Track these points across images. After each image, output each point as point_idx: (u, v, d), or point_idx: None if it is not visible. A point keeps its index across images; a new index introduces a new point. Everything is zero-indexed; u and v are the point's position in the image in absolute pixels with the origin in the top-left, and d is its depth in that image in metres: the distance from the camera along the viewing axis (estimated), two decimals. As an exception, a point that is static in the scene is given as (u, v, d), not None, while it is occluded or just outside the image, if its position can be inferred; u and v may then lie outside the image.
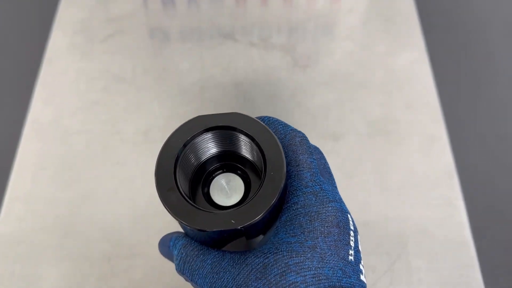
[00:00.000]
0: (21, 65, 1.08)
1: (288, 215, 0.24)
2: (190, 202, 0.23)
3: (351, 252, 0.24)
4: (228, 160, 0.28)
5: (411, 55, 0.50)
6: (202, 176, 0.28)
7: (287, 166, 0.25)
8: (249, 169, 0.28)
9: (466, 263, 0.38)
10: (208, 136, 0.26)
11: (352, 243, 0.24)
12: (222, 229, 0.22)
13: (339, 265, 0.23)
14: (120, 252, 0.39)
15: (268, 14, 0.54)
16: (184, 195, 0.24)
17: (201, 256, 0.25)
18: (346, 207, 0.25)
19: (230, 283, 0.23)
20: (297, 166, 0.25)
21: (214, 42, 0.51)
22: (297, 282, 0.22)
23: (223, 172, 0.28)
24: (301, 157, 0.25)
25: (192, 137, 0.25)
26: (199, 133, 0.25)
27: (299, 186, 0.25)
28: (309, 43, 0.51)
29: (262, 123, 0.25)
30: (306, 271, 0.22)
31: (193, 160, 0.27)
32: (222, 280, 0.24)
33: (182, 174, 0.25)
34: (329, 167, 0.27)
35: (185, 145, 0.25)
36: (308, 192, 0.24)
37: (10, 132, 0.60)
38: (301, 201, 0.24)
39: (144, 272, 0.38)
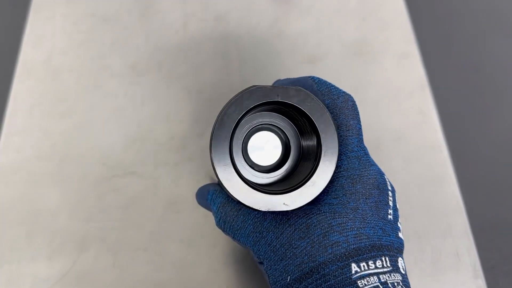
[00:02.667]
0: (8, 13, 1.09)
1: (331, 178, 0.25)
2: (246, 181, 0.24)
3: (390, 211, 0.25)
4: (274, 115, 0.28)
5: (382, -19, 0.52)
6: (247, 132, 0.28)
7: (337, 129, 0.26)
8: (289, 126, 0.28)
9: (439, 163, 0.41)
10: (263, 113, 0.26)
11: (391, 203, 0.25)
12: (273, 210, 0.24)
13: (379, 225, 0.24)
14: (115, 173, 0.41)
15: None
16: (240, 173, 0.24)
17: (241, 216, 0.26)
18: (381, 171, 0.26)
19: (274, 242, 0.24)
20: (347, 130, 0.26)
21: (194, -18, 0.53)
22: (339, 241, 0.23)
23: (262, 130, 0.28)
24: (351, 122, 0.26)
25: (246, 113, 0.25)
26: (255, 108, 0.25)
27: (345, 151, 0.25)
28: (286, -21, 0.53)
29: (324, 106, 0.25)
30: (348, 231, 0.23)
31: (244, 129, 0.27)
32: (266, 238, 0.25)
33: (235, 147, 0.26)
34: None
35: (239, 120, 0.25)
36: (352, 157, 0.25)
37: (2, 74, 0.62)
38: (345, 164, 0.25)
39: (139, 189, 0.40)
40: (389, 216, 0.25)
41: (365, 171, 0.25)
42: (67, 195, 0.40)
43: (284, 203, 0.24)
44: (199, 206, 0.33)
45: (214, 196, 0.28)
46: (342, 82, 0.45)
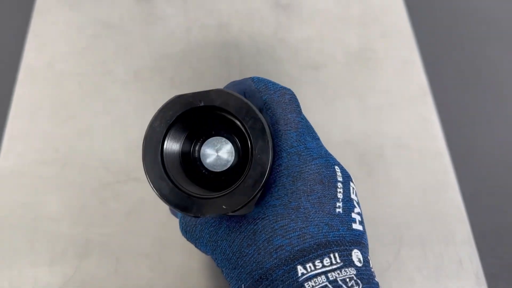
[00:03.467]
0: (12, 18, 1.10)
1: (272, 177, 0.24)
2: (182, 188, 0.24)
3: (339, 204, 0.24)
4: (217, 124, 0.27)
5: (384, -11, 0.52)
6: (192, 143, 0.27)
7: (274, 125, 0.25)
8: (236, 133, 0.27)
9: (441, 170, 0.41)
10: (190, 118, 0.25)
11: (340, 195, 0.24)
12: (214, 214, 0.23)
13: (324, 221, 0.23)
14: (118, 179, 0.41)
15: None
16: (175, 183, 0.24)
17: (199, 226, 0.26)
18: (333, 160, 0.25)
19: (227, 250, 0.24)
20: (285, 125, 0.25)
21: (197, -11, 0.53)
22: (283, 245, 0.23)
23: (213, 135, 0.27)
24: (289, 115, 0.25)
25: (174, 121, 0.24)
26: (180, 116, 0.25)
27: (284, 147, 0.25)
28: (288, -14, 0.53)
29: (247, 101, 0.24)
30: (291, 233, 0.23)
31: (178, 140, 0.26)
32: (220, 247, 0.25)
33: (169, 157, 0.25)
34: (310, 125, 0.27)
35: (167, 130, 0.25)
36: (292, 153, 0.24)
37: (5, 79, 0.62)
38: (285, 162, 0.24)
39: (142, 195, 0.40)
40: (337, 210, 0.24)
41: (305, 166, 0.24)
42: (69, 201, 0.40)
43: (223, 206, 0.23)
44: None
45: None
46: (343, 88, 0.46)
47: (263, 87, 0.26)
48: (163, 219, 0.39)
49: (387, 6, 0.51)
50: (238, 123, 0.25)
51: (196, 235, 0.26)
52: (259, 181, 0.23)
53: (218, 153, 0.26)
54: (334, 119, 0.44)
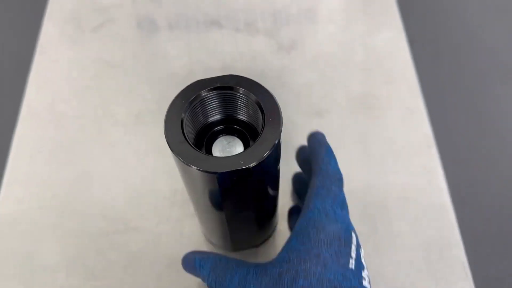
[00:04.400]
0: (14, 55, 1.10)
1: (300, 226, 0.28)
2: (199, 150, 0.26)
3: (352, 261, 0.27)
4: (229, 123, 0.31)
5: (389, 34, 0.52)
6: (204, 139, 0.30)
7: (320, 188, 0.29)
8: (248, 132, 0.30)
9: (446, 225, 0.40)
10: (209, 95, 0.29)
11: (353, 254, 0.27)
12: (232, 169, 0.25)
13: (339, 271, 0.26)
14: (117, 228, 0.41)
15: (252, 0, 0.56)
16: (193, 146, 0.26)
17: (229, 275, 0.28)
18: (352, 228, 0.29)
19: None
20: (327, 192, 0.29)
21: (200, 28, 0.53)
22: (304, 286, 0.25)
23: (224, 134, 0.30)
24: (334, 188, 0.30)
25: (194, 98, 0.28)
26: (200, 93, 0.28)
27: (318, 205, 0.29)
28: (292, 27, 0.53)
29: (257, 82, 0.29)
30: (311, 277, 0.25)
31: (196, 120, 0.29)
32: None
33: (188, 129, 0.28)
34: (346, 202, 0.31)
35: (189, 104, 0.28)
36: (322, 212, 0.28)
37: (6, 119, 0.62)
38: (315, 216, 0.28)
39: (140, 245, 0.40)
40: (350, 265, 0.27)
41: (329, 224, 0.28)
42: (66, 250, 0.39)
43: (240, 161, 0.25)
44: None
45: (202, 262, 0.30)
46: (347, 136, 0.45)
47: (325, 172, 0.31)
48: (161, 272, 0.38)
49: (392, 52, 0.50)
50: (249, 100, 0.29)
51: (226, 284, 0.28)
52: (272, 139, 0.25)
53: (227, 149, 0.29)
54: (337, 168, 0.43)
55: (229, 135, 0.30)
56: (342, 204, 0.30)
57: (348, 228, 0.29)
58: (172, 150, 0.26)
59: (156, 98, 0.48)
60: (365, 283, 0.27)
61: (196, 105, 0.29)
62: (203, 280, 0.30)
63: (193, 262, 0.31)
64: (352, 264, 0.27)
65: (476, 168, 1.04)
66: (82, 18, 0.54)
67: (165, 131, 0.27)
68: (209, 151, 0.30)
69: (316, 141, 0.34)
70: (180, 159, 0.25)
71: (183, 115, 0.27)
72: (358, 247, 0.28)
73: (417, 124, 0.46)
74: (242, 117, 0.30)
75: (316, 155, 0.32)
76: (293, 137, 0.45)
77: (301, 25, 0.53)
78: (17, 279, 0.38)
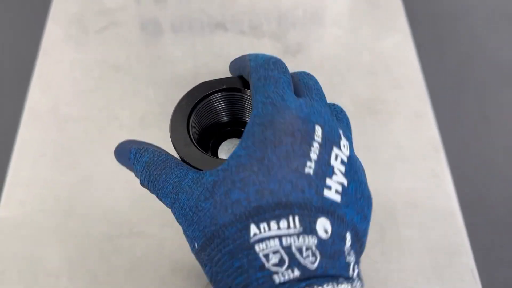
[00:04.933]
0: (18, 57, 1.10)
1: (247, 129, 0.22)
2: (206, 153, 0.25)
3: (310, 164, 0.21)
4: (235, 126, 0.30)
5: (396, 38, 0.51)
6: (210, 141, 0.30)
7: (255, 84, 0.26)
8: None
9: (454, 231, 0.40)
10: (216, 96, 0.28)
11: (313, 155, 0.21)
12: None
13: (288, 178, 0.20)
14: (120, 232, 0.40)
15: (257, 2, 0.55)
16: (200, 149, 0.25)
17: (163, 176, 0.24)
18: (319, 119, 0.23)
19: (185, 204, 0.22)
20: (264, 80, 0.24)
21: (205, 31, 0.53)
22: (239, 199, 0.20)
23: (231, 137, 0.30)
24: (270, 73, 0.24)
25: (201, 99, 0.28)
26: (207, 95, 0.28)
27: (260, 99, 0.23)
28: (298, 30, 0.53)
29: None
30: (250, 187, 0.20)
31: (202, 122, 0.29)
32: (179, 201, 0.23)
33: (194, 134, 0.27)
34: (319, 88, 0.26)
35: (195, 106, 0.28)
36: (267, 103, 0.23)
37: (9, 121, 0.61)
38: (259, 112, 0.22)
39: (144, 250, 0.39)
40: (307, 169, 0.21)
41: (278, 115, 0.22)
42: (69, 254, 0.39)
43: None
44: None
45: (138, 155, 0.26)
46: (353, 140, 0.45)
47: (255, 63, 0.26)
48: (165, 277, 0.38)
49: (399, 56, 0.50)
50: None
51: (160, 185, 0.24)
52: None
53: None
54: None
55: (235, 137, 0.30)
56: (291, 86, 0.25)
57: (307, 118, 0.22)
58: (178, 153, 0.25)
59: (161, 101, 0.47)
60: (329, 193, 0.21)
61: (203, 106, 0.28)
62: (136, 175, 0.27)
63: (128, 153, 0.27)
64: (310, 167, 0.21)
65: (485, 173, 1.03)
66: (86, 20, 0.54)
67: (171, 133, 0.26)
68: (215, 154, 0.29)
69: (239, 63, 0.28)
70: (186, 162, 0.25)
71: (189, 117, 0.27)
72: (326, 145, 0.22)
73: (424, 128, 0.45)
74: (249, 119, 0.30)
75: (243, 68, 0.27)
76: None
77: (307, 29, 0.53)
78: (20, 282, 0.38)
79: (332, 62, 0.50)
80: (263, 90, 0.23)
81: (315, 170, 0.21)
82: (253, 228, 0.20)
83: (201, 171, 0.23)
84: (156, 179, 0.24)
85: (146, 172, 0.25)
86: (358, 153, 0.44)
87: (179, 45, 0.52)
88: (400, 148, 0.44)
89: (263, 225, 0.20)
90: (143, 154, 0.26)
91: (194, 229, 0.22)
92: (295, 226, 0.20)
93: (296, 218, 0.20)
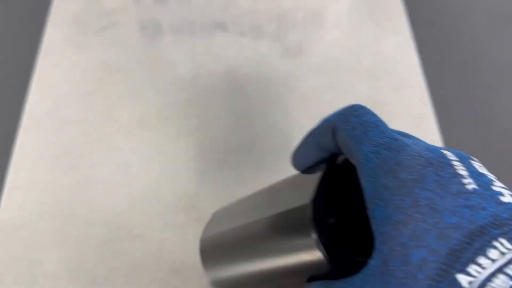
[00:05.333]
0: (17, 59, 1.09)
1: (368, 186, 0.19)
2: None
3: (468, 180, 0.18)
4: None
5: (397, 40, 0.51)
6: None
7: (350, 144, 0.21)
8: None
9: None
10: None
11: (463, 172, 0.18)
12: None
13: (459, 203, 0.17)
14: (119, 234, 0.40)
15: (257, 4, 0.55)
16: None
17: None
18: (435, 146, 0.20)
19: None
20: (362, 127, 0.20)
21: (205, 32, 0.53)
22: (424, 257, 0.16)
23: None
24: (364, 118, 0.21)
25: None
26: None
27: (368, 148, 0.20)
28: (299, 32, 0.53)
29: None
30: (426, 237, 0.16)
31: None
32: None
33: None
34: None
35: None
36: (380, 149, 0.19)
37: (8, 124, 0.61)
38: (374, 162, 0.19)
39: (143, 253, 0.39)
40: (469, 186, 0.17)
41: (401, 155, 0.19)
42: (68, 258, 0.39)
43: None
44: (206, 275, 0.34)
45: None
46: (355, 143, 0.45)
47: (339, 117, 0.22)
48: (164, 280, 0.38)
49: (400, 58, 0.50)
50: None
51: None
52: None
53: None
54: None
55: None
56: (398, 132, 0.22)
57: (429, 147, 0.19)
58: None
59: (160, 102, 0.47)
60: (504, 198, 0.17)
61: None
62: None
63: None
64: (469, 183, 0.17)
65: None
66: (86, 22, 0.54)
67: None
68: None
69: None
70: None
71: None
72: (463, 160, 0.19)
73: (426, 131, 0.45)
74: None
75: (322, 133, 0.23)
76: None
77: (307, 30, 0.53)
78: (18, 285, 0.37)
79: (332, 64, 0.50)
80: (368, 137, 0.20)
81: (477, 183, 0.18)
82: (462, 278, 0.15)
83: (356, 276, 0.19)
84: None
85: None
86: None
87: (178, 46, 0.51)
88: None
89: (473, 268, 0.15)
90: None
91: None
92: (508, 249, 0.15)
93: (502, 240, 0.16)
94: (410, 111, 0.46)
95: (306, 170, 0.25)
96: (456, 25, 1.27)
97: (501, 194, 0.17)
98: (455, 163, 0.18)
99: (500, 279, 0.15)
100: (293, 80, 0.49)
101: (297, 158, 0.25)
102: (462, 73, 1.19)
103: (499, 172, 1.04)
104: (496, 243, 0.16)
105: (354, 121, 0.21)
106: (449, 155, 0.19)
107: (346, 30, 0.53)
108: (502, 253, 0.15)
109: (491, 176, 0.18)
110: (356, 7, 0.55)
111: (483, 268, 0.15)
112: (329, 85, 0.48)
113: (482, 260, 0.15)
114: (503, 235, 0.16)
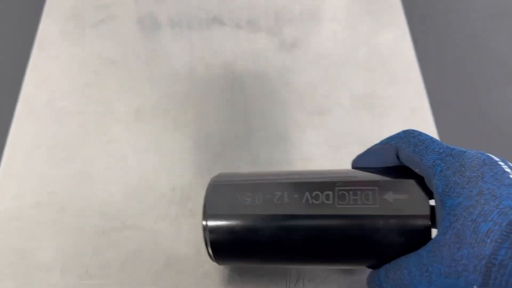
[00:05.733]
0: (11, 51, 1.09)
1: (440, 184, 0.25)
2: None
3: None
4: None
5: (393, 34, 0.51)
6: None
7: (414, 159, 0.28)
8: None
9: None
10: None
11: (508, 169, 0.24)
12: None
13: (511, 191, 0.23)
14: (114, 225, 0.40)
15: (254, -2, 0.55)
16: None
17: (404, 270, 0.26)
18: (481, 152, 0.26)
19: (440, 269, 0.24)
20: (422, 144, 0.27)
21: (202, 25, 0.53)
22: (490, 228, 0.22)
23: None
24: (421, 137, 0.28)
25: None
26: None
27: (432, 157, 0.26)
28: (295, 25, 0.53)
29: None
30: (491, 215, 0.22)
31: None
32: (430, 275, 0.24)
33: None
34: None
35: None
36: (442, 157, 0.26)
37: (2, 115, 0.61)
38: (443, 166, 0.25)
39: (138, 243, 0.39)
40: None
41: (462, 158, 0.25)
42: (63, 248, 0.39)
43: None
44: (201, 266, 0.35)
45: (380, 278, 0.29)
46: (351, 136, 0.45)
47: (399, 140, 0.30)
48: (159, 271, 0.38)
49: (396, 51, 0.50)
50: None
51: (405, 280, 0.26)
52: None
53: None
54: (340, 167, 0.43)
55: None
56: (446, 147, 0.28)
57: (479, 152, 0.26)
58: None
59: (157, 94, 0.47)
60: None
61: None
62: None
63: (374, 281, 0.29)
64: None
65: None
66: (83, 14, 0.54)
67: None
68: None
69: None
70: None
71: None
72: (503, 160, 0.25)
73: (422, 124, 0.45)
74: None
75: (387, 153, 0.30)
76: (295, 135, 0.45)
77: (304, 24, 0.53)
78: (11, 276, 0.37)
79: (329, 57, 0.50)
80: (430, 150, 0.27)
81: None
82: None
83: (424, 249, 0.25)
84: (399, 277, 0.27)
85: (388, 281, 0.28)
86: (354, 148, 0.44)
87: (175, 40, 0.51)
88: (397, 144, 0.44)
89: None
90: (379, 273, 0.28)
91: (465, 276, 0.23)
92: None
93: None
94: (405, 103, 0.46)
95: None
96: (453, 19, 1.27)
97: None
98: (500, 163, 0.25)
99: None
100: (289, 73, 0.49)
101: (358, 165, 0.33)
102: (458, 67, 1.19)
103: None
104: None
105: (414, 141, 0.28)
106: (495, 157, 0.25)
107: (342, 23, 0.53)
108: None
109: None
110: (353, 0, 0.55)
111: None
112: (324, 79, 0.48)
113: None
114: None
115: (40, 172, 0.42)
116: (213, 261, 0.32)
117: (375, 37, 0.51)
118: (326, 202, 0.28)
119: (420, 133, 0.29)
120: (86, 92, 0.47)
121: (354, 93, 0.47)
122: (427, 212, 0.27)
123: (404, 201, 0.27)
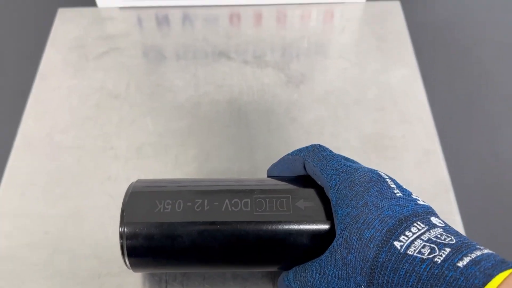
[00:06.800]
0: (13, 81, 1.08)
1: (333, 197, 0.29)
2: None
3: (396, 191, 0.28)
4: None
5: (403, 72, 0.50)
6: None
7: (316, 172, 0.31)
8: None
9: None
10: None
11: (393, 185, 0.28)
12: None
13: (392, 203, 0.27)
14: (110, 269, 0.38)
15: (261, 33, 0.54)
16: None
17: (308, 273, 0.29)
18: (373, 169, 0.30)
19: (333, 271, 0.27)
20: (325, 160, 0.31)
21: (208, 60, 0.52)
22: (372, 235, 0.26)
23: None
24: (325, 153, 0.31)
25: None
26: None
27: (331, 172, 0.30)
28: (303, 61, 0.52)
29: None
30: (373, 223, 0.26)
31: None
32: (326, 274, 0.28)
33: None
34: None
35: None
36: (339, 172, 0.29)
37: (0, 147, 0.59)
38: (337, 180, 0.29)
39: (134, 290, 0.37)
40: (398, 194, 0.27)
41: (354, 175, 0.29)
42: (54, 293, 0.36)
43: None
44: None
45: (287, 276, 0.31)
46: (359, 178, 0.43)
47: (306, 153, 0.33)
48: (156, 321, 0.35)
49: (406, 90, 0.48)
50: None
51: (308, 281, 0.29)
52: None
53: None
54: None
55: None
56: (346, 158, 0.33)
57: (371, 169, 0.30)
58: None
59: (159, 130, 0.46)
60: (420, 202, 0.28)
61: None
62: None
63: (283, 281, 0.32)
64: (398, 192, 0.28)
65: (495, 214, 1.00)
66: (87, 45, 0.53)
67: None
68: None
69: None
70: None
71: None
72: (393, 179, 0.29)
73: (433, 166, 0.43)
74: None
75: (294, 164, 0.33)
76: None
77: (311, 60, 0.52)
78: (-1, 324, 0.35)
79: (337, 94, 0.49)
80: (329, 165, 0.30)
81: (402, 193, 0.28)
82: (396, 244, 0.25)
83: (329, 249, 0.28)
84: (303, 279, 0.29)
85: (291, 279, 0.31)
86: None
87: (180, 73, 0.50)
88: (408, 187, 0.42)
89: (402, 237, 0.25)
90: (289, 273, 0.31)
91: (354, 278, 0.26)
92: (422, 227, 0.26)
93: (419, 223, 0.26)
94: (417, 145, 0.44)
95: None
96: (464, 57, 1.27)
97: (417, 199, 0.28)
98: (387, 180, 0.29)
99: (417, 242, 0.25)
100: (295, 110, 0.47)
101: (272, 173, 0.36)
102: (469, 106, 1.18)
103: (508, 209, 1.00)
104: (415, 224, 0.26)
105: (317, 155, 0.31)
106: (383, 175, 0.29)
107: (351, 60, 0.52)
108: (418, 229, 0.26)
109: (409, 190, 0.29)
110: (362, 38, 0.54)
111: (407, 237, 0.25)
112: (332, 117, 0.47)
113: (407, 233, 0.25)
114: (419, 220, 0.26)
115: (34, 211, 0.40)
116: (128, 268, 0.31)
117: (385, 75, 0.50)
118: (245, 209, 0.30)
119: (325, 149, 0.32)
120: (85, 126, 0.46)
121: (363, 133, 0.45)
122: (330, 219, 0.30)
123: (312, 208, 0.30)
